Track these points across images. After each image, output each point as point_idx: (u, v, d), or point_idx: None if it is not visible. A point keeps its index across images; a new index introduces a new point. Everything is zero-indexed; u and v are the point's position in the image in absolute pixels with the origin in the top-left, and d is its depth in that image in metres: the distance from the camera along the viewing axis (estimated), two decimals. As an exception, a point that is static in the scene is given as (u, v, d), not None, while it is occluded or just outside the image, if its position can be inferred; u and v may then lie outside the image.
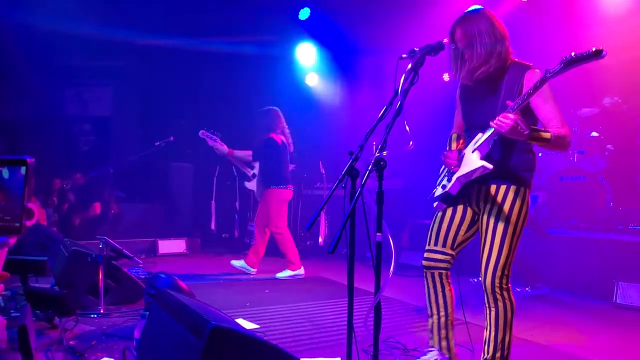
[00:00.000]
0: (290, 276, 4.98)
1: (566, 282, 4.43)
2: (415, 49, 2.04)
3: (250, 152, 5.05)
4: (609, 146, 5.17)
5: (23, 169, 1.24)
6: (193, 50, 6.71)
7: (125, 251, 3.43)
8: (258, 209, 5.11)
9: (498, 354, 2.21)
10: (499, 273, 2.20)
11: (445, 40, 2.06)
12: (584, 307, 3.95)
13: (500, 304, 2.22)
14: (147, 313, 2.30)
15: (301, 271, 5.01)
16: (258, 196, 5.15)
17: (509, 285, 2.24)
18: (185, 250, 6.39)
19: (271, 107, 5.07)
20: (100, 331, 2.88)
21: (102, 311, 3.25)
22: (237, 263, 5.10)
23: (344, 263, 3.28)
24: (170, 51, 6.64)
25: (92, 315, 3.21)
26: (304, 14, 6.73)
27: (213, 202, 7.13)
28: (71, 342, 2.62)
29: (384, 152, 1.89)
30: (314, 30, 6.91)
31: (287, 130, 5.10)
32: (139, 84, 6.95)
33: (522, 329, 3.27)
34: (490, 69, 2.15)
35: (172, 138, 5.60)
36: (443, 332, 2.35)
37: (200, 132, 5.00)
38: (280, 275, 5.00)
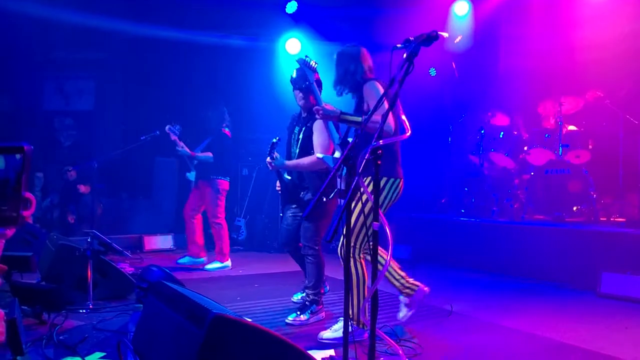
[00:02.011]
0: (218, 268, 5.06)
1: (550, 273, 4.52)
2: (410, 38, 2.05)
3: (210, 154, 5.03)
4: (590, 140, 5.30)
5: (19, 156, 1.20)
6: (178, 42, 6.63)
7: (114, 245, 3.39)
8: (191, 196, 5.16)
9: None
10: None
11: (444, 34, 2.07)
12: (568, 297, 4.04)
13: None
14: (141, 306, 2.28)
15: (229, 264, 5.12)
16: (195, 185, 5.20)
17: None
18: (172, 246, 6.33)
19: (219, 104, 5.16)
20: (91, 326, 2.85)
21: (91, 306, 3.21)
22: (211, 266, 5.07)
23: (333, 256, 3.40)
24: (155, 43, 6.54)
25: (81, 311, 3.17)
26: (291, 7, 6.70)
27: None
28: (61, 337, 2.58)
29: (381, 141, 1.91)
30: (301, 23, 6.88)
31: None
32: (123, 76, 6.84)
33: (509, 318, 3.33)
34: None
35: (157, 132, 5.52)
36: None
37: (167, 127, 4.96)
38: (209, 267, 5.07)
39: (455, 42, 6.36)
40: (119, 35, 6.29)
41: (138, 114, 6.64)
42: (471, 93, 6.56)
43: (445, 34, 2.13)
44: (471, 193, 6.05)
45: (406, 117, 2.35)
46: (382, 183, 2.71)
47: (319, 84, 3.15)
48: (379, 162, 1.93)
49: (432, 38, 2.08)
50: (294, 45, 6.97)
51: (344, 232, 2.48)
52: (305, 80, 3.14)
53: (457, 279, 4.85)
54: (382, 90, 2.71)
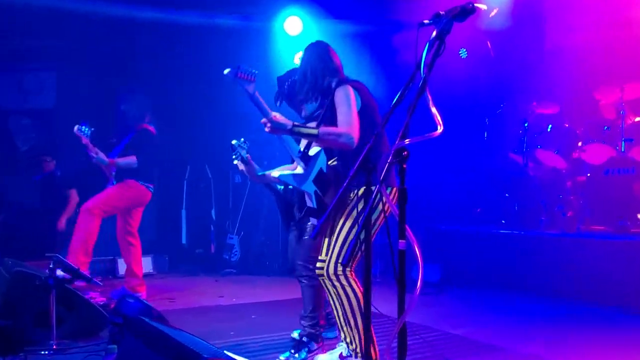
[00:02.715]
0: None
1: (616, 296, 4.46)
2: (440, 12, 2.01)
3: (134, 158, 4.80)
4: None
5: None
6: (158, 24, 6.65)
7: (82, 272, 3.37)
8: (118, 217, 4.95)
9: None
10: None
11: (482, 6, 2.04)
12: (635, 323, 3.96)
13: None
14: (115, 347, 2.25)
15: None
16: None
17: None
18: (151, 270, 6.38)
19: (137, 95, 5.06)
20: (54, 371, 2.82)
21: (55, 347, 3.18)
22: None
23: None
24: (130, 26, 6.55)
25: (42, 352, 3.15)
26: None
27: (183, 210, 7.08)
28: (19, 386, 2.55)
29: (407, 140, 1.87)
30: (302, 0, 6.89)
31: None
32: (90, 67, 6.84)
33: (569, 354, 3.25)
34: None
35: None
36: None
37: (75, 127, 4.58)
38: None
39: (491, 16, 6.34)
40: (87, 17, 6.26)
41: (108, 113, 6.62)
42: (511, 78, 6.55)
43: (483, 6, 2.11)
44: (513, 199, 6.04)
45: (441, 106, 2.32)
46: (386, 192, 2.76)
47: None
48: (405, 166, 1.91)
49: (467, 11, 2.04)
50: (294, 25, 6.96)
51: (331, 249, 2.72)
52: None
53: (499, 305, 4.81)
54: (353, 98, 2.76)
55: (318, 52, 2.98)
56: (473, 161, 6.69)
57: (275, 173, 3.06)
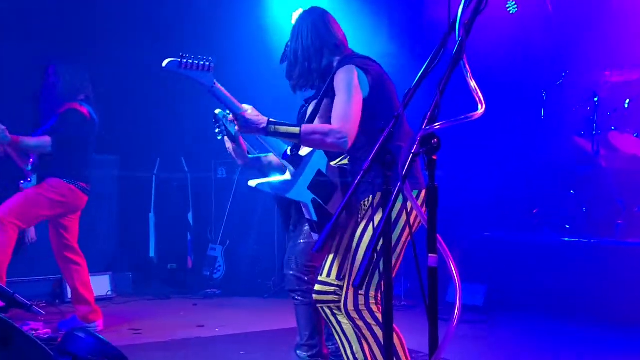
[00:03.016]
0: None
1: None
2: (482, -46, 1.98)
3: (48, 139, 4.68)
4: None
5: None
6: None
7: (18, 297, 3.36)
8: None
9: None
10: None
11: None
12: None
13: None
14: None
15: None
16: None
17: None
18: (109, 293, 6.36)
19: (73, 63, 5.01)
20: None
21: (-16, 394, 3.18)
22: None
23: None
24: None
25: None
26: None
27: (152, 214, 7.08)
28: None
29: (437, 124, 1.83)
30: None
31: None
32: (26, 30, 6.77)
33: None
34: None
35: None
36: None
37: None
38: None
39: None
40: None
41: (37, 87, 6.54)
42: (575, 38, 6.52)
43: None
44: (580, 198, 6.03)
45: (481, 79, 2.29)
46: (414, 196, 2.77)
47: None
48: (435, 158, 1.85)
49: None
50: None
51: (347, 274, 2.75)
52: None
53: (562, 336, 4.78)
54: (355, 83, 2.75)
55: (312, 24, 2.93)
56: (526, 149, 6.68)
57: (252, 183, 3.01)
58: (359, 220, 2.83)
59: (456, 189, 6.25)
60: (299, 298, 3.38)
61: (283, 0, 6.97)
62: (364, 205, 2.81)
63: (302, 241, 3.44)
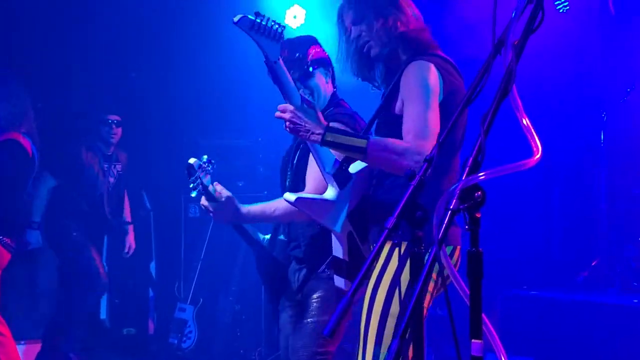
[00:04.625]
0: None
1: None
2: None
3: None
4: None
5: None
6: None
7: None
8: None
9: None
10: None
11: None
12: None
13: None
14: None
15: None
16: None
17: None
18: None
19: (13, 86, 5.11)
20: None
21: None
22: None
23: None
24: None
25: None
26: None
27: (104, 263, 7.00)
28: None
29: (481, 174, 1.81)
30: None
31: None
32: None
33: None
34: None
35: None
36: None
37: None
38: None
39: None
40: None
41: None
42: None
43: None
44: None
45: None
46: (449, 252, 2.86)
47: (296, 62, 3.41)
48: (479, 216, 1.85)
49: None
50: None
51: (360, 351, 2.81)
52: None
53: None
54: (435, 85, 2.79)
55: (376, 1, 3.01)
56: (581, 184, 6.74)
57: (290, 197, 3.04)
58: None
59: (494, 235, 6.28)
60: None
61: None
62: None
63: (309, 320, 3.36)
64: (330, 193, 3.04)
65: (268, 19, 2.80)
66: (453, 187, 1.85)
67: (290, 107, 2.80)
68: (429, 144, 2.63)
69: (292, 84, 2.88)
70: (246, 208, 3.41)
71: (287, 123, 2.80)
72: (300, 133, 2.79)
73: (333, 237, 3.02)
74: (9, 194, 4.90)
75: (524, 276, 6.37)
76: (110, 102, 6.89)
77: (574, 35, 6.49)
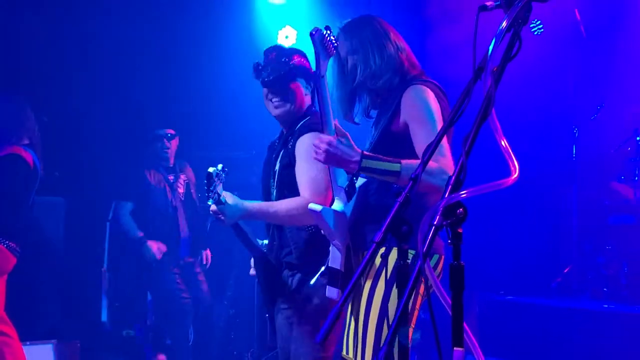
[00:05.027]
0: None
1: None
2: (513, -11, 2.00)
3: None
4: None
5: None
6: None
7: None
8: None
9: None
10: None
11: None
12: None
13: None
14: None
15: None
16: None
17: None
18: (53, 365, 6.27)
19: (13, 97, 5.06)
20: None
21: None
22: None
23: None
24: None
25: None
26: None
27: (104, 269, 7.00)
28: None
29: (463, 192, 1.85)
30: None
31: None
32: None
33: None
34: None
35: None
36: None
37: None
38: None
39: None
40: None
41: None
42: (613, 68, 6.58)
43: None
44: (621, 256, 6.02)
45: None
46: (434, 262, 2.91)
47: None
48: (460, 231, 1.88)
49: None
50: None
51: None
52: (292, 66, 3.49)
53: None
54: (436, 109, 2.84)
55: (373, 33, 3.07)
56: (554, 195, 6.72)
57: (316, 207, 3.00)
58: (366, 276, 2.87)
59: (469, 244, 6.20)
60: None
61: (268, 13, 7.30)
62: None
63: (310, 328, 3.37)
64: (339, 205, 3.03)
65: (333, 36, 2.89)
66: (437, 204, 1.85)
67: (328, 139, 2.78)
68: (451, 162, 2.71)
69: (329, 103, 2.91)
70: (250, 204, 3.39)
71: (323, 153, 2.77)
72: (336, 163, 2.80)
73: (333, 248, 2.99)
74: (13, 202, 4.85)
75: (501, 282, 6.37)
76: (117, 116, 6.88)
77: (548, 55, 6.51)
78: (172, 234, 6.59)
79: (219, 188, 3.27)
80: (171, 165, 6.68)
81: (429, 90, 2.88)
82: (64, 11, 6.95)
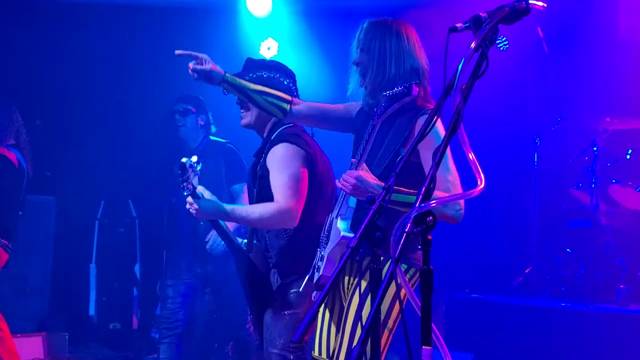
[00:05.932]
0: None
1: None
2: (481, 14, 2.04)
3: None
4: None
5: None
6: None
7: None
8: None
9: None
10: None
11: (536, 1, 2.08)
12: None
13: None
14: None
15: None
16: None
17: None
18: (42, 356, 6.20)
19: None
20: None
21: None
22: None
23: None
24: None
25: None
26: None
27: (93, 265, 6.99)
28: None
29: (433, 202, 1.89)
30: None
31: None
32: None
33: None
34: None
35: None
36: None
37: None
38: None
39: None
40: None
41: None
42: (573, 83, 6.62)
43: (541, 3, 2.13)
44: (578, 257, 6.05)
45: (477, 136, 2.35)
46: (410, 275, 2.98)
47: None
48: (430, 238, 1.92)
49: (519, 12, 2.07)
50: (260, 4, 7.11)
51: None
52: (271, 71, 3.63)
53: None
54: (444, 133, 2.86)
55: (393, 39, 3.00)
56: (516, 200, 6.71)
57: (340, 225, 2.94)
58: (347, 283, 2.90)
59: (437, 245, 6.21)
60: None
61: (251, 25, 7.22)
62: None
63: (287, 313, 3.36)
64: (343, 226, 2.94)
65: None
66: (408, 212, 1.87)
67: (356, 174, 2.72)
68: (460, 190, 2.73)
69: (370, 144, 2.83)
70: (226, 204, 3.33)
71: (350, 187, 2.71)
72: (360, 195, 2.72)
73: (326, 258, 2.92)
74: (1, 201, 4.77)
75: (466, 281, 6.37)
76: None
77: (513, 69, 6.49)
78: None
79: (195, 181, 3.19)
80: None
81: (439, 119, 2.78)
82: (56, 19, 6.94)
